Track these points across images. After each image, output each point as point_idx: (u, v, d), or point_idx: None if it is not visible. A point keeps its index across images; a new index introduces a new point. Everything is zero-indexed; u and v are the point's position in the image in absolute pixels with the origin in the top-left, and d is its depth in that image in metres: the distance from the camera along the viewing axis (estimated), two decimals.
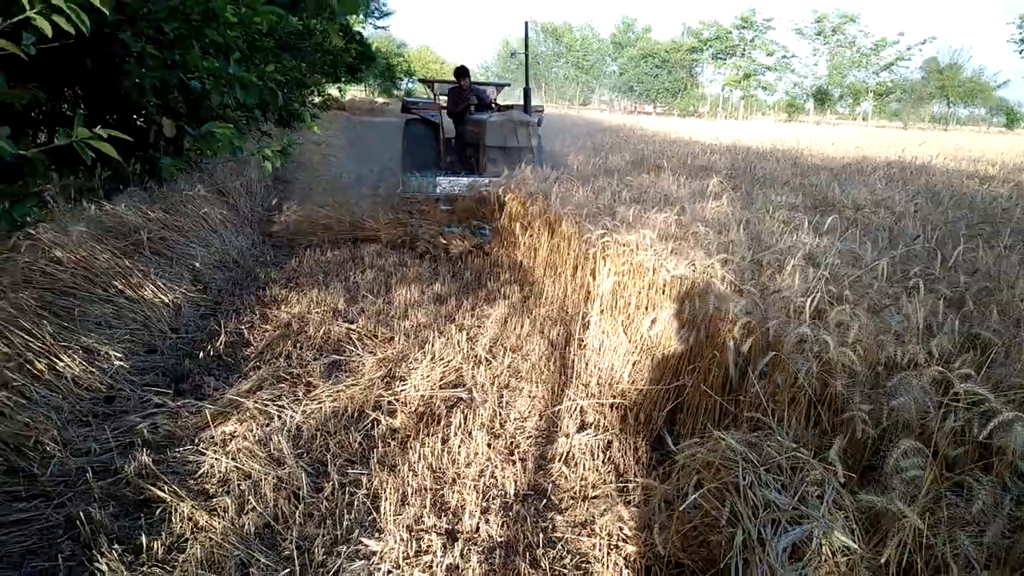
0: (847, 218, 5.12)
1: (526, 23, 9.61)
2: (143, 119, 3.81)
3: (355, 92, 53.58)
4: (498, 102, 9.82)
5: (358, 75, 21.33)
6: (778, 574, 1.62)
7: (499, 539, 2.51)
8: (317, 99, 18.67)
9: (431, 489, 2.77)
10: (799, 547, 1.75)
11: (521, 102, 9.05)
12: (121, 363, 3.33)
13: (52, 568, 2.20)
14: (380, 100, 49.33)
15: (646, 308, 3.52)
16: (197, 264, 4.97)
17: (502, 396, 3.64)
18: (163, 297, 4.22)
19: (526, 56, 9.24)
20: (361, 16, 29.60)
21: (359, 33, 23.70)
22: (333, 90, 24.67)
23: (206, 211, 6.03)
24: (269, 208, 7.99)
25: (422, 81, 11.34)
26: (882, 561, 1.66)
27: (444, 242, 6.36)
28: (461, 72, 9.00)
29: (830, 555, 1.68)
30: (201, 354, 3.86)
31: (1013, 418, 1.57)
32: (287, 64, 7.60)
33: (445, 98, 9.29)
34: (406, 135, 9.04)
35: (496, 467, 2.96)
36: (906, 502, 1.59)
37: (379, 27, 36.69)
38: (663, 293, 3.43)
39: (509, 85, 11.57)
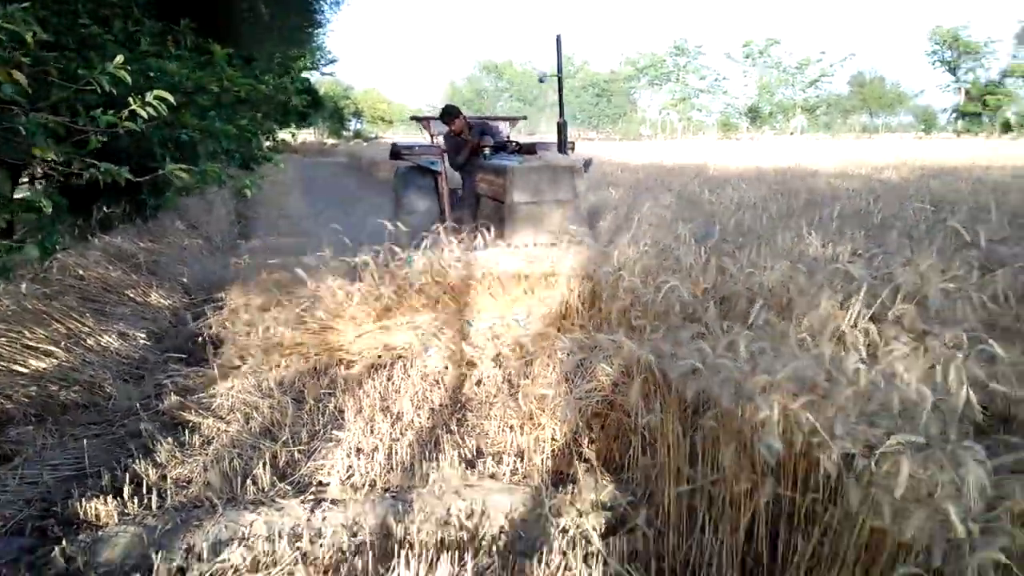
0: (704, 211, 6.52)
1: (558, 37, 6.47)
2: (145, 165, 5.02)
3: (305, 135, 54.85)
4: (512, 139, 7.50)
5: (307, 121, 22.55)
6: (573, 391, 2.89)
7: (427, 424, 3.72)
8: (267, 143, 19.87)
9: (380, 404, 3.97)
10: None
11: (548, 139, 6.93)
12: (145, 342, 4.49)
13: (128, 452, 3.35)
14: (330, 142, 50.53)
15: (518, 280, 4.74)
16: (184, 279, 6.12)
17: (430, 354, 4.85)
18: (164, 302, 5.37)
19: (559, 80, 6.64)
20: (308, 64, 30.79)
21: (307, 80, 24.89)
22: (285, 135, 25.84)
23: (186, 242, 7.19)
24: (234, 239, 9.14)
25: (416, 119, 8.44)
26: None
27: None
28: (449, 113, 6.88)
29: (603, 377, 2.96)
30: (199, 339, 5.01)
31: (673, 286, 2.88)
32: (247, 116, 8.81)
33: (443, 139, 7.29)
34: (398, 188, 7.12)
35: (426, 390, 4.17)
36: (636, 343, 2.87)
37: (325, 74, 38.07)
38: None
39: (526, 119, 9.70)
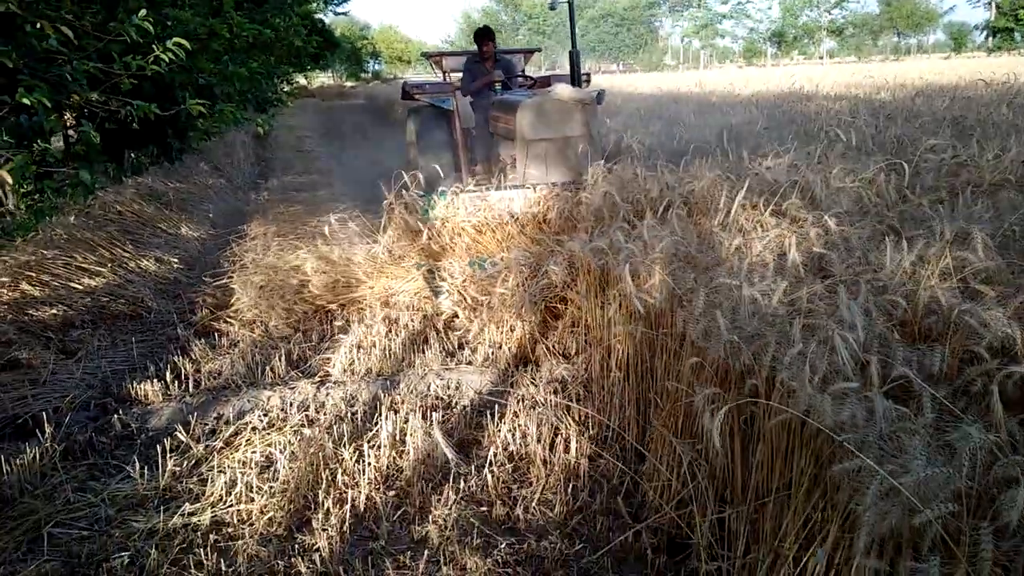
0: (686, 130, 6.97)
1: None
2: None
3: (323, 79, 54.97)
4: (527, 73, 7.32)
5: (322, 63, 22.80)
6: (529, 288, 3.46)
7: (419, 328, 4.33)
8: (286, 87, 20.38)
9: (380, 313, 4.57)
10: None
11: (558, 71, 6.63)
12: (179, 266, 5.16)
13: (169, 351, 4.03)
14: (348, 84, 50.49)
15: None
16: (210, 215, 6.76)
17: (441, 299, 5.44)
18: (192, 234, 6.02)
19: (570, 6, 6.27)
20: (321, 4, 30.74)
21: (321, 21, 24.99)
22: (300, 78, 26.17)
23: (211, 182, 7.81)
24: (254, 178, 9.76)
25: (427, 56, 8.01)
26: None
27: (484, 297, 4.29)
28: (484, 35, 6.49)
29: (553, 276, 3.53)
30: (224, 265, 5.66)
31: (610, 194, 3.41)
32: (258, 60, 9.29)
33: (460, 76, 6.93)
34: (410, 128, 6.70)
35: (422, 301, 4.76)
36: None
37: (339, 13, 37.89)
38: None
39: (540, 50, 9.39)
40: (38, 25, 3.62)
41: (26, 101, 3.65)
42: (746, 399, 1.83)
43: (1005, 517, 1.16)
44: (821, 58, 64.03)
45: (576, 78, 6.12)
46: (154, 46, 3.42)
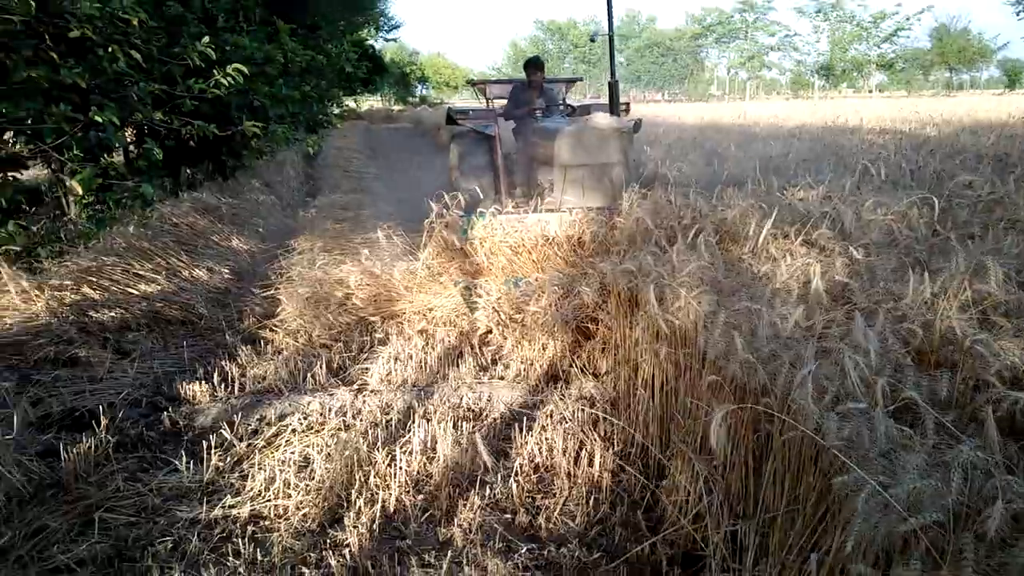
0: (725, 161, 7.05)
1: None
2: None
3: (372, 102, 56.22)
4: (570, 100, 7.65)
5: (371, 87, 23.42)
6: (561, 308, 3.58)
7: (455, 343, 4.47)
8: (336, 110, 20.98)
9: (420, 325, 4.73)
10: None
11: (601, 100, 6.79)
12: (229, 276, 5.40)
13: (217, 356, 4.23)
14: (396, 108, 51.49)
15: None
16: (260, 229, 7.04)
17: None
18: (243, 246, 6.28)
19: (610, 38, 6.49)
20: (372, 31, 31.48)
21: (371, 47, 25.68)
22: (350, 102, 26.81)
23: (261, 199, 8.12)
24: (303, 196, 10.09)
25: (472, 84, 8.39)
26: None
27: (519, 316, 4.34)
28: (535, 64, 6.89)
29: (585, 297, 3.64)
30: (272, 277, 5.90)
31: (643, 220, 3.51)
32: (310, 83, 9.63)
33: (504, 103, 7.32)
34: (453, 152, 7.02)
35: (458, 317, 4.90)
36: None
37: (389, 39, 38.81)
38: None
39: (581, 80, 9.67)
40: (109, 48, 3.92)
41: (98, 119, 3.93)
42: (757, 407, 1.91)
43: (984, 526, 1.23)
44: (870, 92, 63.37)
45: (615, 107, 6.35)
46: (215, 70, 3.68)
